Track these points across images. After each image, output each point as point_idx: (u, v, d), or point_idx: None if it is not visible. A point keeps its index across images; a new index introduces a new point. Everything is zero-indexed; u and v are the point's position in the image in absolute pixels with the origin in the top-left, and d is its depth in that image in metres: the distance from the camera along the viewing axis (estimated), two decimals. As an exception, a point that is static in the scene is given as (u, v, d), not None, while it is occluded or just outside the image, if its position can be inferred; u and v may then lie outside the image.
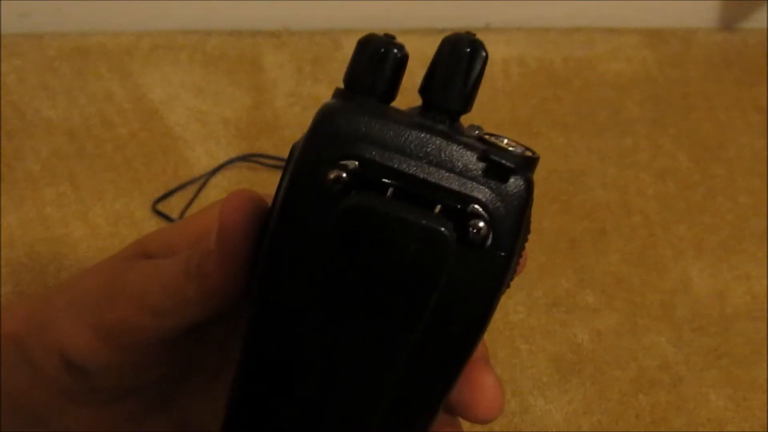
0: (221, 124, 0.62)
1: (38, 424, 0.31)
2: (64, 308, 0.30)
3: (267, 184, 0.59)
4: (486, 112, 0.64)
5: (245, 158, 0.60)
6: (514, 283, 0.47)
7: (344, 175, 0.24)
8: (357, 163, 0.24)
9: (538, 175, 0.25)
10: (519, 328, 0.53)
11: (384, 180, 0.24)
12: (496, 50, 0.69)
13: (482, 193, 0.24)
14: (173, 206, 0.57)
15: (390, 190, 0.24)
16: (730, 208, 0.61)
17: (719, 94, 0.69)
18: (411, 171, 0.24)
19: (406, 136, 0.24)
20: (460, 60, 0.25)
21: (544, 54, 0.70)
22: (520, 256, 0.26)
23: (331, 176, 0.24)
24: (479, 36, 0.26)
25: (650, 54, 0.72)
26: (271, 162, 0.60)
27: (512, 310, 0.54)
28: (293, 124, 0.62)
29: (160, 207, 0.57)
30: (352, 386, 0.26)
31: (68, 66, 0.65)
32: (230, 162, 0.60)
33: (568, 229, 0.58)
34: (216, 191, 0.58)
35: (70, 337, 0.29)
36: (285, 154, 0.25)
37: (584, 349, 0.52)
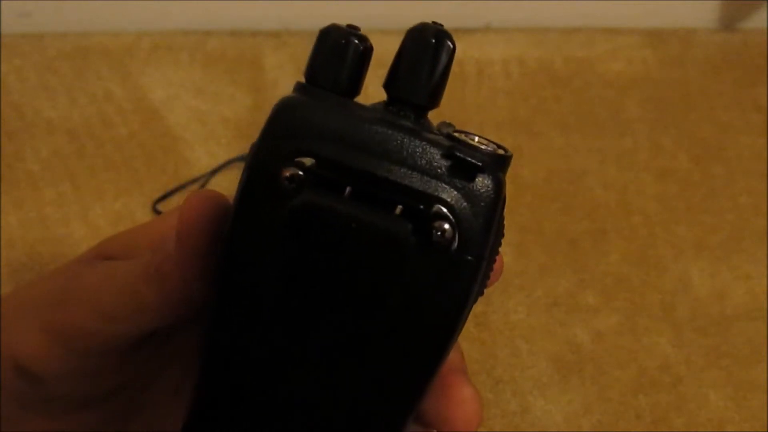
0: (221, 124, 0.62)
1: None
2: (18, 311, 0.29)
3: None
4: (486, 112, 0.64)
5: (245, 158, 0.60)
6: (514, 283, 0.48)
7: (300, 173, 0.22)
8: (314, 160, 0.22)
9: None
10: (519, 328, 0.53)
11: (342, 178, 0.22)
12: (496, 50, 0.69)
13: (447, 193, 0.22)
14: (173, 206, 0.57)
15: (348, 190, 0.23)
16: (730, 208, 0.61)
17: (719, 94, 0.69)
18: (371, 169, 0.22)
19: (366, 132, 0.23)
20: (425, 51, 0.24)
21: (544, 54, 0.70)
22: (493, 261, 0.24)
23: (287, 174, 0.22)
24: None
25: (650, 54, 0.72)
26: (271, 162, 0.60)
27: (512, 310, 0.54)
28: (293, 124, 0.62)
29: (160, 207, 0.57)
30: (314, 392, 0.24)
31: (68, 66, 0.65)
32: (230, 162, 0.60)
33: (568, 229, 0.58)
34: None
35: (22, 341, 0.28)
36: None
37: (584, 349, 0.52)
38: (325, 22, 0.26)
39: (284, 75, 0.66)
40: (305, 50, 0.80)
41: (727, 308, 0.55)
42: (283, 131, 0.23)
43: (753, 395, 0.51)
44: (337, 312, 0.23)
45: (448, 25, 0.26)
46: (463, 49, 0.75)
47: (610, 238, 0.58)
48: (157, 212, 0.57)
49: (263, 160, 0.23)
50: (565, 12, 0.73)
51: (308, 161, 0.23)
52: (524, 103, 0.66)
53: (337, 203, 0.22)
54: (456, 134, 0.24)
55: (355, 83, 0.24)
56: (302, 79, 0.25)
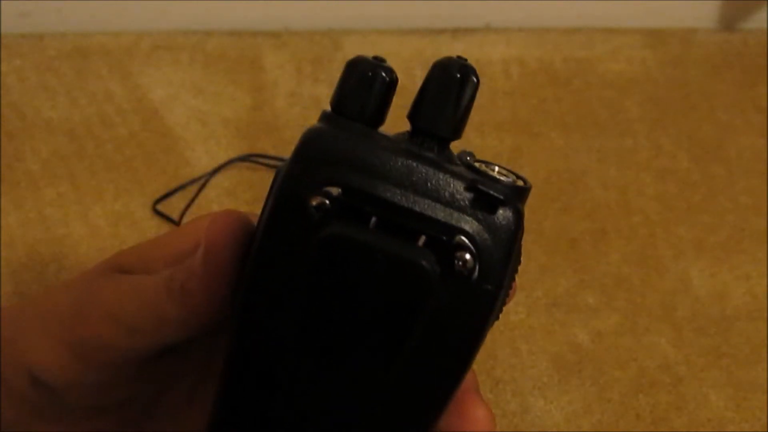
0: (221, 124, 0.62)
1: None
2: (35, 322, 0.29)
3: (267, 184, 0.58)
4: (486, 113, 0.64)
5: (245, 158, 0.60)
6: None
7: (327, 202, 0.23)
8: (340, 190, 0.23)
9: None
10: (519, 328, 0.53)
11: (368, 208, 0.23)
12: (496, 50, 0.69)
13: (469, 224, 0.23)
14: (173, 206, 0.57)
15: (373, 220, 0.23)
16: (730, 208, 0.61)
17: (719, 94, 0.69)
18: (396, 200, 0.23)
19: (392, 163, 0.24)
20: (451, 86, 0.24)
21: (544, 54, 0.70)
22: (510, 287, 0.25)
23: (314, 203, 0.23)
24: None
25: (650, 54, 0.72)
26: (271, 162, 0.60)
27: (512, 310, 0.54)
28: (293, 124, 0.62)
29: (161, 207, 0.57)
30: (333, 414, 0.25)
31: (68, 66, 0.65)
32: (230, 162, 0.60)
33: (568, 229, 0.58)
34: (216, 191, 0.58)
35: (38, 353, 0.28)
36: (285, 154, 0.25)
37: (584, 349, 0.52)
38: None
39: (284, 75, 0.66)
40: (305, 50, 0.80)
41: (727, 308, 0.55)
42: (311, 160, 0.24)
43: (753, 395, 0.51)
44: (360, 336, 0.24)
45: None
46: (463, 49, 0.75)
47: (610, 238, 0.58)
48: (157, 212, 0.57)
49: (291, 188, 0.24)
50: (565, 12, 0.73)
51: (335, 191, 0.23)
52: (524, 104, 0.66)
53: (365, 235, 0.23)
54: (477, 164, 0.25)
55: (380, 113, 0.25)
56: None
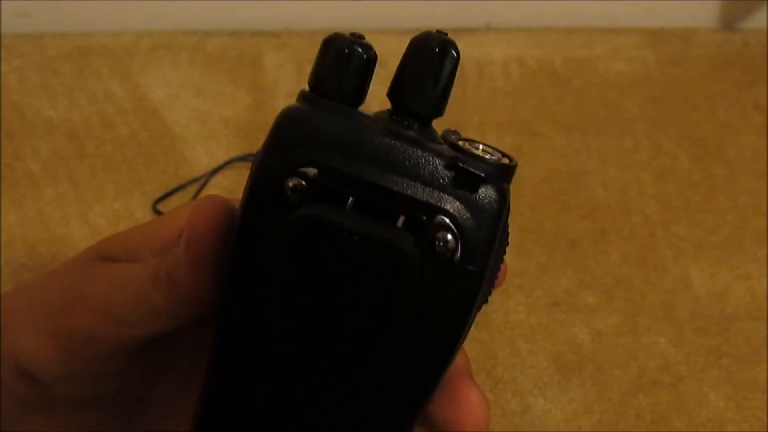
0: (221, 124, 0.62)
1: None
2: (22, 314, 0.29)
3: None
4: (486, 112, 0.64)
5: (245, 158, 0.60)
6: (514, 283, 0.47)
7: (303, 183, 0.22)
8: (317, 170, 0.22)
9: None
10: (519, 328, 0.53)
11: (345, 189, 0.23)
12: (496, 50, 0.69)
13: (450, 203, 0.22)
14: (173, 206, 0.57)
15: (350, 200, 0.23)
16: (730, 208, 0.61)
17: (719, 94, 0.69)
18: (374, 180, 0.23)
19: (370, 142, 0.23)
20: (430, 61, 0.23)
21: (544, 54, 0.70)
22: (497, 269, 0.24)
23: (290, 184, 0.22)
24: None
25: (650, 54, 0.72)
26: (271, 162, 0.60)
27: (512, 310, 0.54)
28: (293, 124, 0.62)
29: (161, 207, 0.57)
30: (320, 398, 0.25)
31: (68, 66, 0.65)
32: (230, 162, 0.60)
33: (568, 229, 0.58)
34: (216, 191, 0.58)
35: (25, 345, 0.28)
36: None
37: (584, 349, 0.52)
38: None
39: (284, 75, 0.66)
40: (305, 50, 0.80)
41: (727, 308, 0.55)
42: (286, 141, 0.23)
43: (753, 395, 0.51)
44: (342, 320, 0.23)
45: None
46: (463, 49, 0.75)
47: (610, 238, 0.58)
48: (157, 212, 0.57)
49: (267, 171, 0.23)
50: (565, 12, 0.73)
51: (312, 172, 0.22)
52: (524, 103, 0.66)
53: (338, 216, 0.22)
54: (460, 143, 0.24)
55: (360, 91, 0.24)
56: (304, 83, 0.25)
